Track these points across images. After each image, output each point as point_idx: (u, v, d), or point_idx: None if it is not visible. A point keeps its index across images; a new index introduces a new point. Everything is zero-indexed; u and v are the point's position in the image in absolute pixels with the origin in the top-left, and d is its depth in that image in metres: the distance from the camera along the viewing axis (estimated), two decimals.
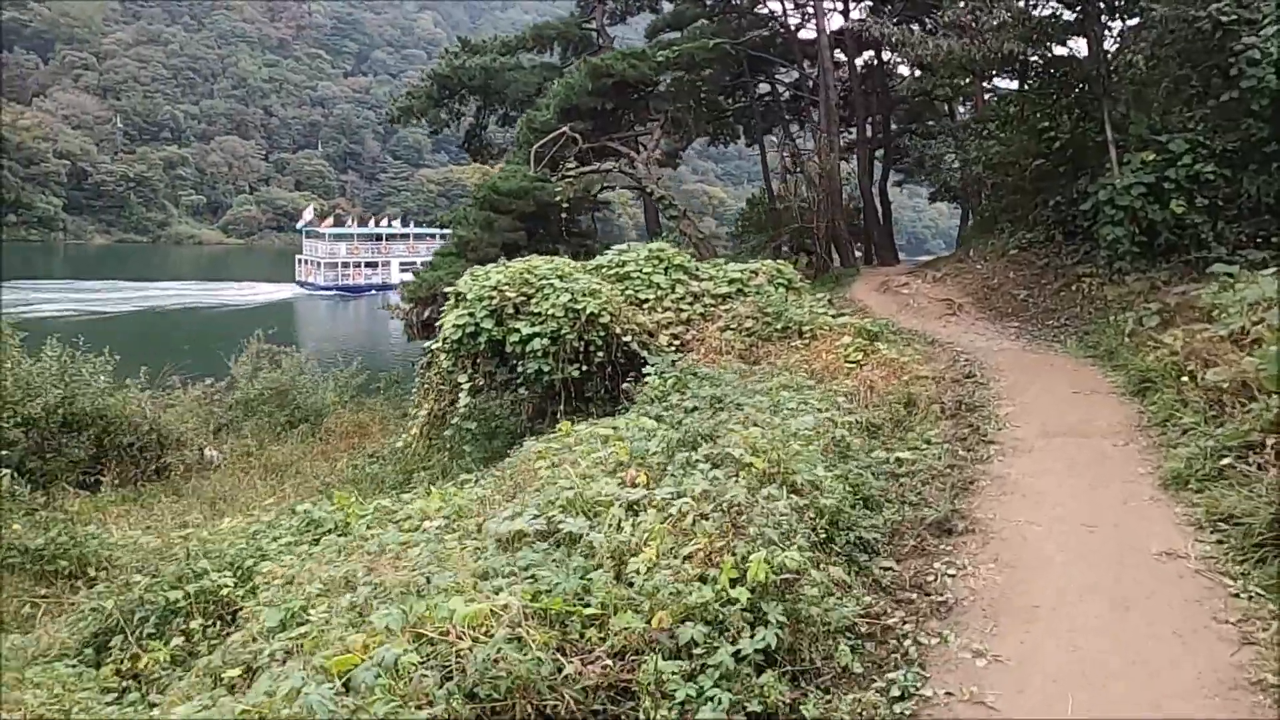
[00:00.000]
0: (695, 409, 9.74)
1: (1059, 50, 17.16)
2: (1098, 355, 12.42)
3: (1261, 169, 14.53)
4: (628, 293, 14.54)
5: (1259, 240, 14.59)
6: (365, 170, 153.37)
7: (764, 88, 38.57)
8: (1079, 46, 17.03)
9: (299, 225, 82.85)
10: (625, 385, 11.79)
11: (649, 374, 11.12)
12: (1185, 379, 8.66)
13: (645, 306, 14.51)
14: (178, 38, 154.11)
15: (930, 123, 32.53)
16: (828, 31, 27.19)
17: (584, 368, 13.03)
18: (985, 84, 22.08)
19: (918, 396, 9.91)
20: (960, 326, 16.05)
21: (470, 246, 20.85)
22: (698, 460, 6.19)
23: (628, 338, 13.19)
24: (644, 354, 12.99)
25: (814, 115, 38.36)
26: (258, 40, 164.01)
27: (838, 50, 32.96)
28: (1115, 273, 15.49)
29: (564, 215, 21.70)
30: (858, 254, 32.83)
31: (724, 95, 38.45)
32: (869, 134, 34.51)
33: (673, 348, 13.71)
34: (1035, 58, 15.67)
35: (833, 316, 14.06)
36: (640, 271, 14.93)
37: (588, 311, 12.90)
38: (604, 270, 15.08)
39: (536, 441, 8.20)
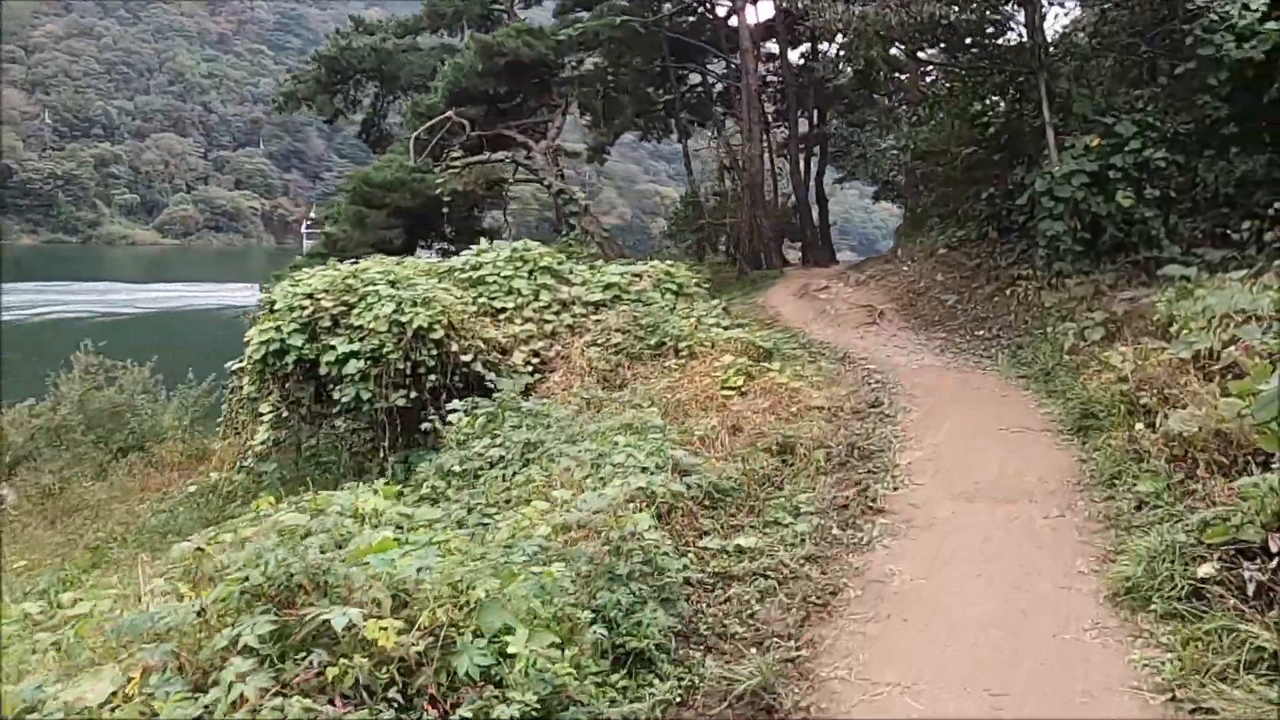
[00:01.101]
0: (503, 459, 7.36)
1: (993, 20, 15.07)
2: (1031, 376, 10.27)
3: (1220, 154, 12.51)
4: (480, 300, 12.06)
5: (1217, 237, 12.56)
6: (309, 169, 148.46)
7: (696, 79, 36.38)
8: (1017, 16, 14.95)
9: (302, 227, 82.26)
10: (426, 424, 9.32)
11: (455, 410, 8.65)
12: (1138, 421, 6.42)
13: (502, 317, 12.05)
14: (111, 31, 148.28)
15: (865, 111, 30.60)
16: (747, 15, 24.94)
17: (413, 394, 10.55)
18: (918, 63, 20.10)
19: (799, 439, 7.58)
20: (880, 337, 13.85)
21: (339, 245, 18.20)
22: None
23: (468, 356, 10.72)
24: (490, 377, 10.54)
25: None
26: (196, 35, 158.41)
27: (771, 41, 30.87)
28: (1055, 275, 13.39)
29: (447, 211, 19.16)
30: (792, 255, 30.79)
31: (653, 86, 36.26)
32: (804, 129, 32.46)
33: (530, 367, 11.29)
34: (964, 23, 13.53)
35: (724, 328, 11.73)
36: (498, 275, 12.47)
37: (415, 325, 10.41)
38: (456, 274, 12.58)
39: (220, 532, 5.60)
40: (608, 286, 12.72)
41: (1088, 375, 8.80)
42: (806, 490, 6.48)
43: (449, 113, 20.38)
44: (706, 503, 5.96)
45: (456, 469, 7.21)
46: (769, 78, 35.89)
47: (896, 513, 6.10)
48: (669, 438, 7.13)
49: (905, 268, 16.63)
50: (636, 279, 13.29)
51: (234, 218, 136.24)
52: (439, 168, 20.04)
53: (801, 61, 35.21)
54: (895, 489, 6.59)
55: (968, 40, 15.29)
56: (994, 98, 15.31)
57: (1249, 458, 5.09)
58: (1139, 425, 6.24)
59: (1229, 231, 12.27)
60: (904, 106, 19.49)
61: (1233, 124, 12.37)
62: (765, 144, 29.85)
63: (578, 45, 21.33)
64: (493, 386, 10.03)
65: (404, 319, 10.43)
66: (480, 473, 7.21)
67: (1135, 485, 5.65)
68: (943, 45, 16.42)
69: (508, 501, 6.29)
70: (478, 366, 10.73)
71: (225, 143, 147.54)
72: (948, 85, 16.94)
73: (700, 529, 5.56)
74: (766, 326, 14.78)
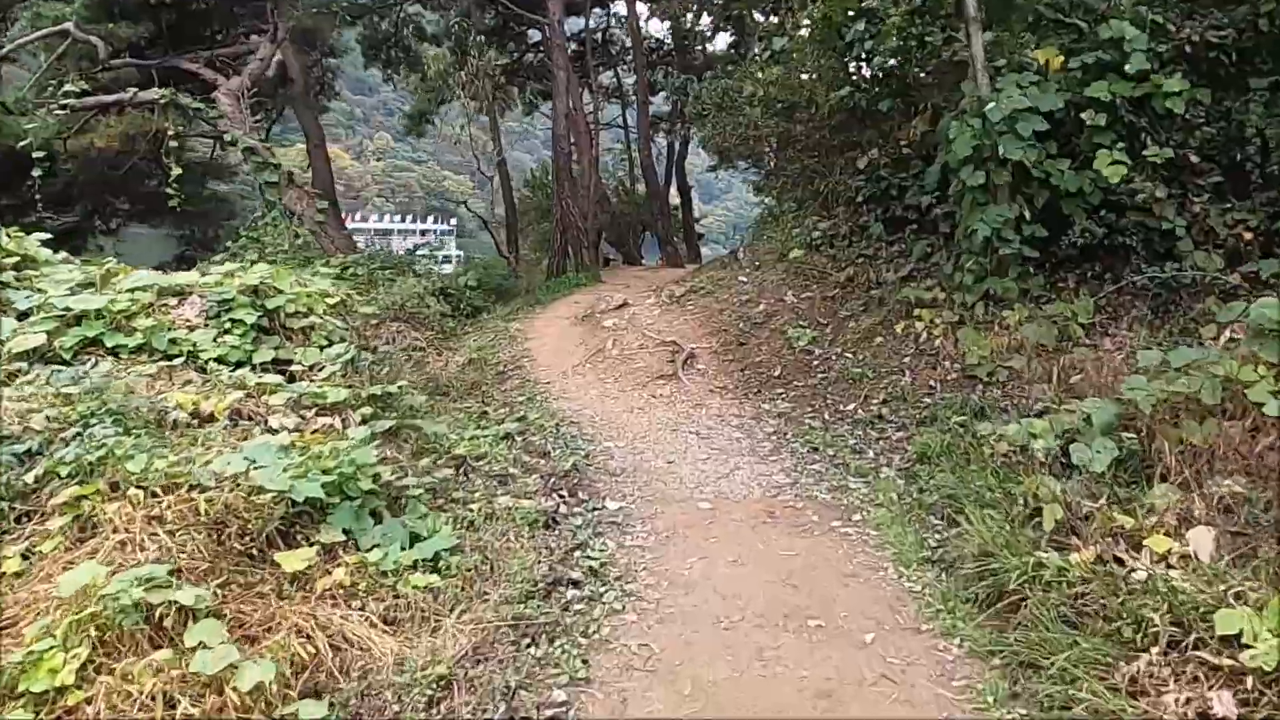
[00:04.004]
0: None
1: None
2: (948, 556, 4.15)
3: None
4: None
5: (1274, 236, 6.78)
6: None
7: (538, 35, 29.84)
8: None
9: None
10: None
11: None
12: None
13: None
14: None
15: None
16: None
17: None
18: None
19: None
20: (671, 410, 7.55)
21: None
22: None
23: None
24: None
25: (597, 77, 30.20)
26: None
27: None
28: (983, 300, 7.38)
29: (39, 171, 11.89)
30: (616, 254, 24.81)
31: (494, 47, 29.60)
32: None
33: None
34: None
35: (300, 409, 5.22)
36: None
37: None
38: None
39: None
40: (78, 319, 5.92)
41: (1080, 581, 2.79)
42: None
43: (67, 25, 13.11)
44: None
45: None
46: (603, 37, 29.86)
47: None
48: None
49: (744, 279, 10.41)
50: (179, 299, 6.56)
51: None
52: (49, 108, 12.75)
53: (667, 24, 29.40)
54: None
55: None
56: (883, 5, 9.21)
57: None
58: None
59: None
60: (762, 44, 13.34)
61: None
62: (592, 116, 23.58)
63: None
64: None
65: None
66: None
67: None
68: None
69: None
70: None
71: None
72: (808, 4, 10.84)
73: None
74: (473, 392, 8.32)
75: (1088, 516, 4.11)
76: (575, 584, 4.34)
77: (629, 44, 26.81)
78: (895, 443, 6.31)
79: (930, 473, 5.47)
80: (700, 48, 29.84)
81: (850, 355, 7.91)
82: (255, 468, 4.13)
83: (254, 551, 3.94)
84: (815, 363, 8.04)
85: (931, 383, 7.01)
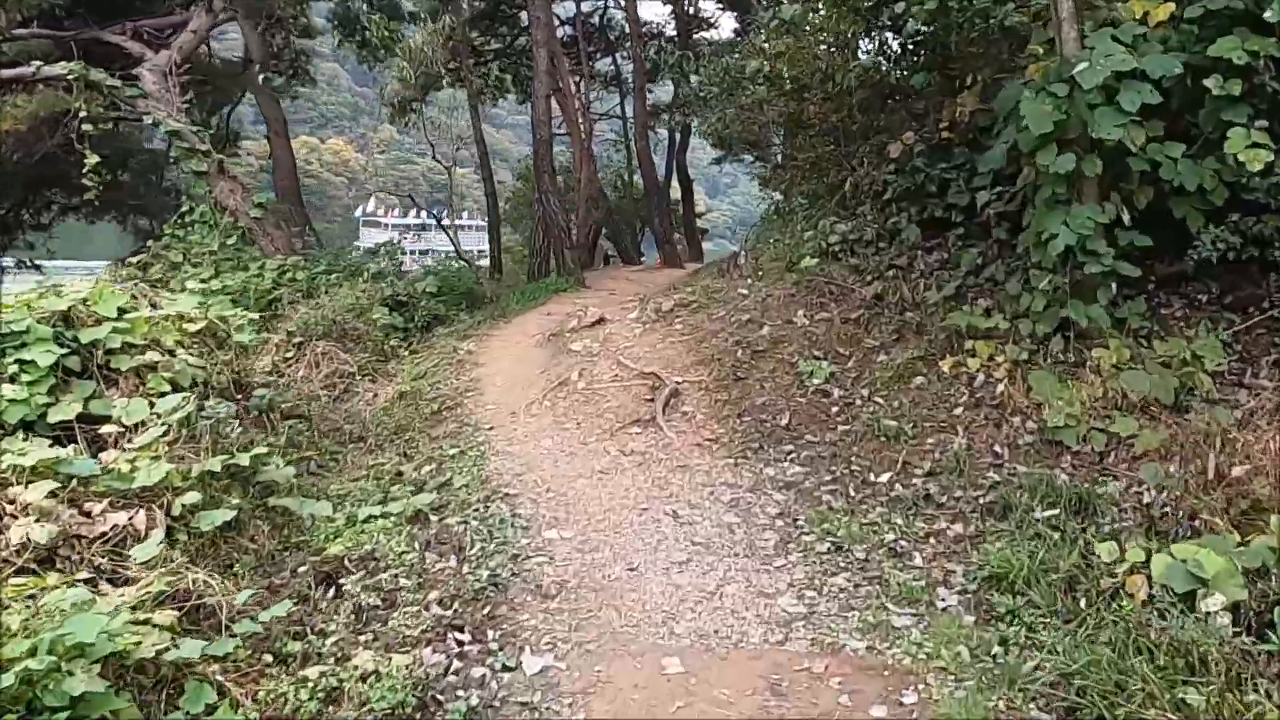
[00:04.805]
0: None
1: None
2: None
3: None
4: None
5: None
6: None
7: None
8: None
9: (358, 214, 74.03)
10: None
11: None
12: None
13: None
14: None
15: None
16: None
17: None
18: None
19: None
20: (640, 475, 5.67)
21: None
22: None
23: None
24: None
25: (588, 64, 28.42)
26: None
27: None
28: (1063, 335, 5.50)
29: None
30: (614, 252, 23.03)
31: (482, 33, 27.87)
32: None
33: None
34: None
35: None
36: None
37: None
38: None
39: None
40: None
41: None
42: None
43: None
44: None
45: None
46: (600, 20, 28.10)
47: None
48: None
49: (743, 291, 8.53)
50: None
51: None
52: None
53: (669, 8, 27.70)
54: None
55: None
56: None
57: None
58: None
59: None
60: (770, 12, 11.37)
61: None
62: (583, 104, 21.85)
63: None
64: None
65: None
66: None
67: None
68: None
69: None
70: None
71: None
72: None
73: None
74: (396, 439, 6.52)
75: None
76: None
77: (629, 30, 24.97)
78: (953, 542, 4.44)
79: (1017, 611, 3.61)
80: (703, 34, 28.02)
81: (880, 401, 6.03)
82: None
83: None
84: (834, 408, 6.15)
85: (997, 447, 5.13)
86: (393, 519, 4.95)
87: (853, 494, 5.16)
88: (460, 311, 12.33)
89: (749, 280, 8.93)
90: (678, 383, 7.07)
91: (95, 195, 12.04)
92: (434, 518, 5.09)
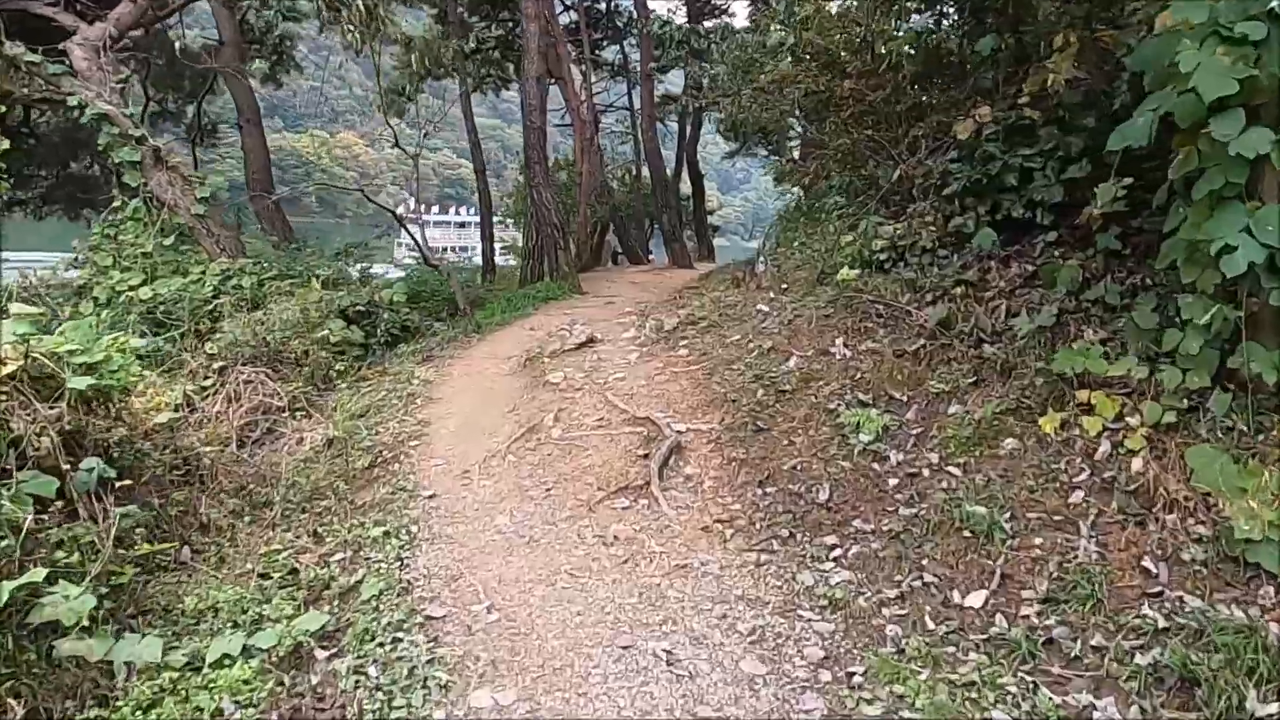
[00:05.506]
0: None
1: None
2: None
3: None
4: None
5: None
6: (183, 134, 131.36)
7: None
8: None
9: (398, 210, 74.73)
10: None
11: None
12: None
13: None
14: None
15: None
16: None
17: None
18: None
19: None
20: (627, 581, 4.05)
21: None
22: None
23: None
24: None
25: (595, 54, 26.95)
26: None
27: None
28: (1220, 389, 3.84)
29: None
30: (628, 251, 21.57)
31: (482, 20, 26.52)
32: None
33: None
34: None
35: None
36: None
37: None
38: None
39: None
40: None
41: None
42: None
43: None
44: None
45: None
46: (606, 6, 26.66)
47: None
48: None
49: (763, 308, 6.90)
50: None
51: None
52: None
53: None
54: None
55: None
56: None
57: None
58: None
59: None
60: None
61: None
62: (584, 89, 20.27)
63: None
64: None
65: None
66: None
67: None
68: None
69: None
70: None
71: None
72: None
73: None
74: (310, 507, 4.93)
75: None
76: None
77: (636, 16, 23.29)
78: None
79: None
80: (716, 20, 26.44)
81: (957, 472, 4.38)
82: None
83: None
84: (892, 479, 4.51)
85: (1147, 563, 3.47)
86: (257, 661, 3.36)
87: (930, 625, 3.52)
88: (437, 321, 10.75)
89: (770, 294, 7.28)
90: (680, 432, 5.44)
91: (3, 190, 10.46)
92: (320, 654, 3.50)
